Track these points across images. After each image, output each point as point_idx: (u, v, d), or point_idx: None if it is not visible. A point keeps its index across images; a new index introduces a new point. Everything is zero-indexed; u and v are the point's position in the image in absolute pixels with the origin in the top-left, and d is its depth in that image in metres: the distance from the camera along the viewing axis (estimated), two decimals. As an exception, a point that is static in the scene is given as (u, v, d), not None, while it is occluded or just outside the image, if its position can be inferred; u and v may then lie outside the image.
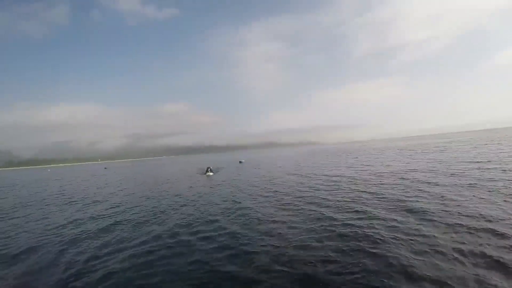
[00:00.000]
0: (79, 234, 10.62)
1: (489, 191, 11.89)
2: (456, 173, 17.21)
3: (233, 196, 16.24)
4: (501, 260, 5.95)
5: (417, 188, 13.82)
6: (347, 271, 6.15)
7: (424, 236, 7.61)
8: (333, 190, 15.21)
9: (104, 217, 13.12)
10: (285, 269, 6.44)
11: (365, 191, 14.10)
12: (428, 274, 5.65)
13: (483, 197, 10.95)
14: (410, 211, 9.99)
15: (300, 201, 13.18)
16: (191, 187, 22.25)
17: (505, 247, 6.48)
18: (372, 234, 8.00)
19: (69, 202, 19.27)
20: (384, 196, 12.71)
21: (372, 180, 17.95)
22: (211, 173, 33.83)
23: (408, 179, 16.97)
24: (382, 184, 16.04)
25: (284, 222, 9.91)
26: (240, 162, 59.62)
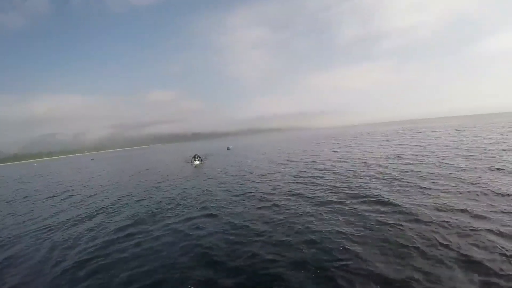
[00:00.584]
0: (60, 229, 11.23)
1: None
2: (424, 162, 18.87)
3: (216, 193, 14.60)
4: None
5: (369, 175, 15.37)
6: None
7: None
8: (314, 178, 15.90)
9: (88, 212, 13.52)
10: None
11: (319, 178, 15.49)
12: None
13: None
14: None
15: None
16: (175, 182, 19.72)
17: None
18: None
19: (53, 197, 19.71)
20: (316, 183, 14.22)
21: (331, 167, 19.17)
22: (198, 162, 30.75)
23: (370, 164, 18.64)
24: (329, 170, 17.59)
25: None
26: (228, 148, 61.07)
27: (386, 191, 11.34)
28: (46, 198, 19.66)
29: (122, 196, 16.61)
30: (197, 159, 31.77)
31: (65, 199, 18.35)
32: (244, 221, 9.60)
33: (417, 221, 8.02)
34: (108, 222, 11.38)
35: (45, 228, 11.75)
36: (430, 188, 11.12)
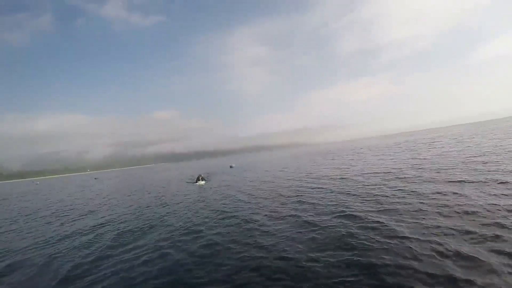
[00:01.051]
0: (62, 247, 11.28)
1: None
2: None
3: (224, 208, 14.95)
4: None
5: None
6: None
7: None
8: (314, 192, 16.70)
9: (93, 231, 13.41)
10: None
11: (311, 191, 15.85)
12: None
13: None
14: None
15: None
16: (181, 201, 19.20)
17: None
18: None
19: (56, 216, 19.58)
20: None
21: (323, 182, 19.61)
22: (203, 182, 30.77)
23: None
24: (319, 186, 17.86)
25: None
26: (231, 167, 60.60)
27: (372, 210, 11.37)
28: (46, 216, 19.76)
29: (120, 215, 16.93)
30: (201, 180, 31.45)
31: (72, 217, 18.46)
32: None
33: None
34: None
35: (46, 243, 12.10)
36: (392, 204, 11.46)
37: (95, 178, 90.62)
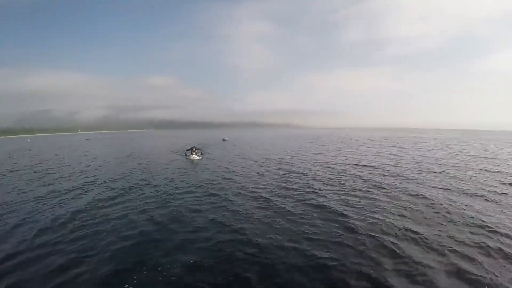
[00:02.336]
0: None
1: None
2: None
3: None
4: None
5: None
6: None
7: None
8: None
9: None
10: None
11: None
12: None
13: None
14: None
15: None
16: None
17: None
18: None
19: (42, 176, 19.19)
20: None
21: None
22: (197, 157, 25.34)
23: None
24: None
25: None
26: (224, 140, 61.25)
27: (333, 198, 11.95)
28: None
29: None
30: (195, 153, 26.14)
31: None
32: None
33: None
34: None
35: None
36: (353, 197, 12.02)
37: (86, 139, 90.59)
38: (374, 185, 14.09)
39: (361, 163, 21.89)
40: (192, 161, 24.44)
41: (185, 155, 27.21)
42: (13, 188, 15.40)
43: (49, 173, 20.73)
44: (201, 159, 25.68)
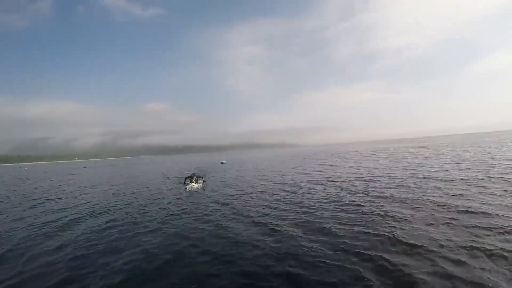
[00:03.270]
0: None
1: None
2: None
3: None
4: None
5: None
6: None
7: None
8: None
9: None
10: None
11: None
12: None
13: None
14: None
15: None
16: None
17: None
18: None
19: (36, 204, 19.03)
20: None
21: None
22: (196, 185, 21.43)
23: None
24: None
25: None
26: (222, 163, 60.58)
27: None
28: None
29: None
30: (195, 181, 22.12)
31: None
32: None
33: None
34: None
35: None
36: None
37: (84, 167, 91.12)
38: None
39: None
40: (191, 190, 20.33)
41: (184, 183, 22.82)
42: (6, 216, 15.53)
43: (46, 200, 20.98)
44: (203, 187, 21.50)
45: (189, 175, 24.25)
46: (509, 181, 15.31)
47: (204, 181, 23.51)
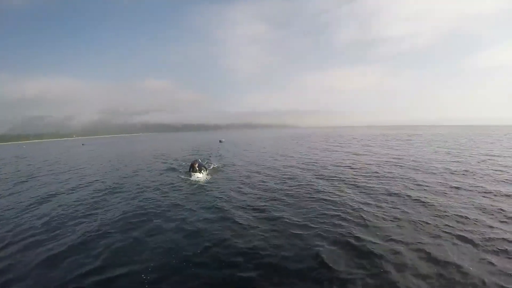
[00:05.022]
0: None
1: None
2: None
3: None
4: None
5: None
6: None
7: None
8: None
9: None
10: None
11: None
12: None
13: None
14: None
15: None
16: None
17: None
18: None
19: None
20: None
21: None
22: (200, 175, 16.99)
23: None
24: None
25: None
26: (220, 141, 61.87)
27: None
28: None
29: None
30: (198, 169, 17.54)
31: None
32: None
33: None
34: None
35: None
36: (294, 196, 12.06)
37: (82, 144, 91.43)
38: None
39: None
40: (195, 179, 16.32)
41: (189, 171, 17.97)
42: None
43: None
44: (207, 177, 17.13)
45: (190, 161, 20.93)
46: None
47: (206, 169, 18.76)
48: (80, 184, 17.30)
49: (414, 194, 11.52)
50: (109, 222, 9.58)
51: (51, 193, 15.07)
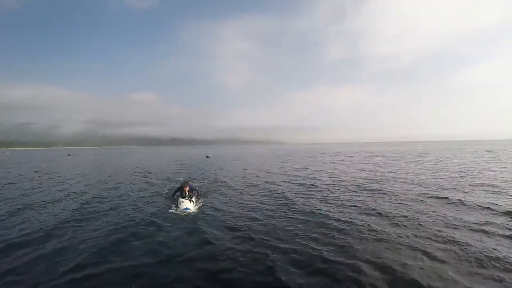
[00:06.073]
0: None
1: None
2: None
3: None
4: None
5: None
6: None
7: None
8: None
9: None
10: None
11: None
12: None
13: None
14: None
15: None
16: None
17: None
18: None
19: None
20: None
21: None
22: (190, 205, 12.08)
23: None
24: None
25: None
26: (207, 156, 61.89)
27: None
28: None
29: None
30: (188, 195, 13.30)
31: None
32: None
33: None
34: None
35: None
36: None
37: (68, 155, 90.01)
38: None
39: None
40: (184, 214, 11.45)
41: (173, 195, 14.49)
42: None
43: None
44: (199, 206, 12.90)
45: (179, 185, 14.90)
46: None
47: (199, 194, 14.98)
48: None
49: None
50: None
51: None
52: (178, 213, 11.60)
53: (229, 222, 10.34)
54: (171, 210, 12.03)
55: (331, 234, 8.86)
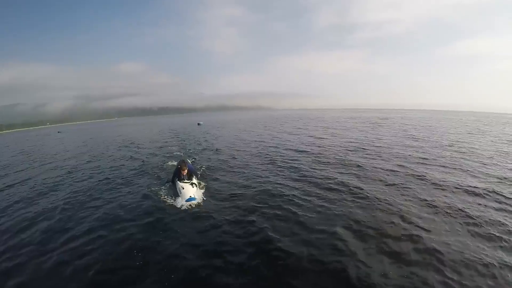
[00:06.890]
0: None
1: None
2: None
3: None
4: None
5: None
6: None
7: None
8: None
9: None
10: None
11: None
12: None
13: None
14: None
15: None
16: None
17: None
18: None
19: None
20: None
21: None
22: (192, 189, 9.65)
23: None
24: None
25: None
26: (199, 124, 62.97)
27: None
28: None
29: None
30: (187, 177, 10.67)
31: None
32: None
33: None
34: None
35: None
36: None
37: (58, 132, 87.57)
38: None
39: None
40: (187, 205, 8.96)
41: (172, 182, 11.30)
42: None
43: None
44: (201, 190, 10.44)
45: (177, 164, 12.03)
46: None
47: (198, 175, 12.35)
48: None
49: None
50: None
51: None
52: (180, 206, 9.05)
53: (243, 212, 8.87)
54: (170, 202, 9.50)
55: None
